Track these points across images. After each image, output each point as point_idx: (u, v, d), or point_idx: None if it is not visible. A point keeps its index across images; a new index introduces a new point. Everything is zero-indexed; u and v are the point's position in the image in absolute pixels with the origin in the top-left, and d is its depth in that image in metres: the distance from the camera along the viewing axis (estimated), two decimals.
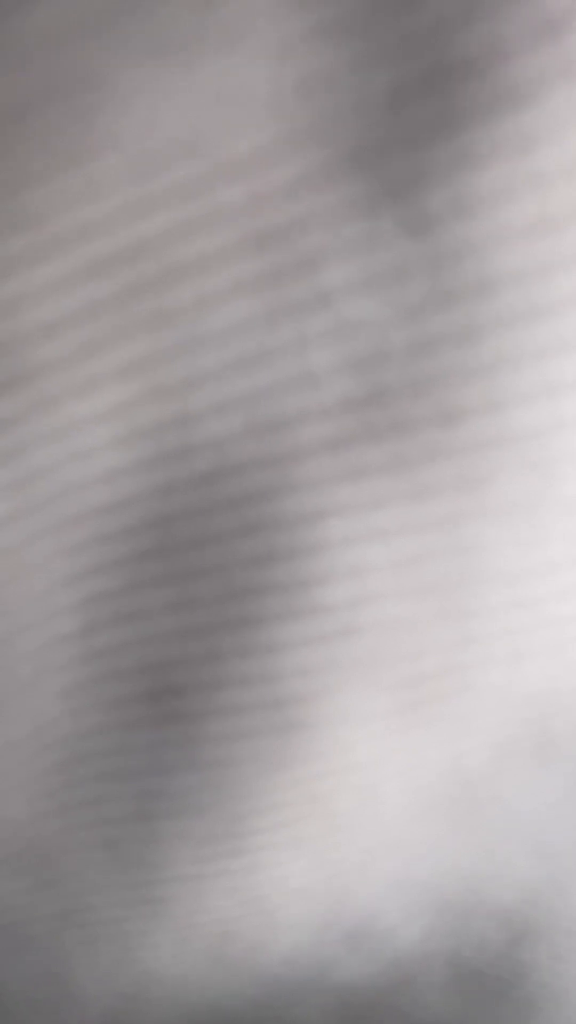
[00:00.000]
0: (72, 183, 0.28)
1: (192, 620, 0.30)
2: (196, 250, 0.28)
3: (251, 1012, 0.34)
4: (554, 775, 0.32)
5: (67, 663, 0.30)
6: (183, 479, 0.29)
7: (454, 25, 0.27)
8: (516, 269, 0.28)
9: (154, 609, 0.30)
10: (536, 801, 0.32)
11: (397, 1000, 0.34)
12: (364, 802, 0.31)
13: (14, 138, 0.28)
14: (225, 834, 0.31)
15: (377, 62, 0.27)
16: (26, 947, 0.34)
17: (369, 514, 0.29)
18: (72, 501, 0.29)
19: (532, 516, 0.29)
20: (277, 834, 0.31)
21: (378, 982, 0.34)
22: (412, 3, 0.27)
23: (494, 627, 0.30)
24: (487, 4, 0.27)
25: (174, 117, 0.27)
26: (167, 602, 0.30)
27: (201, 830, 0.31)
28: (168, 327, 0.28)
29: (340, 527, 0.29)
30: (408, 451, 0.28)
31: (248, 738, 0.30)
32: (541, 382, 0.28)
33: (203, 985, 0.34)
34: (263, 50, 0.27)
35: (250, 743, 0.30)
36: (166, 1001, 0.34)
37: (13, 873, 0.33)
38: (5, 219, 0.28)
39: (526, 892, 0.33)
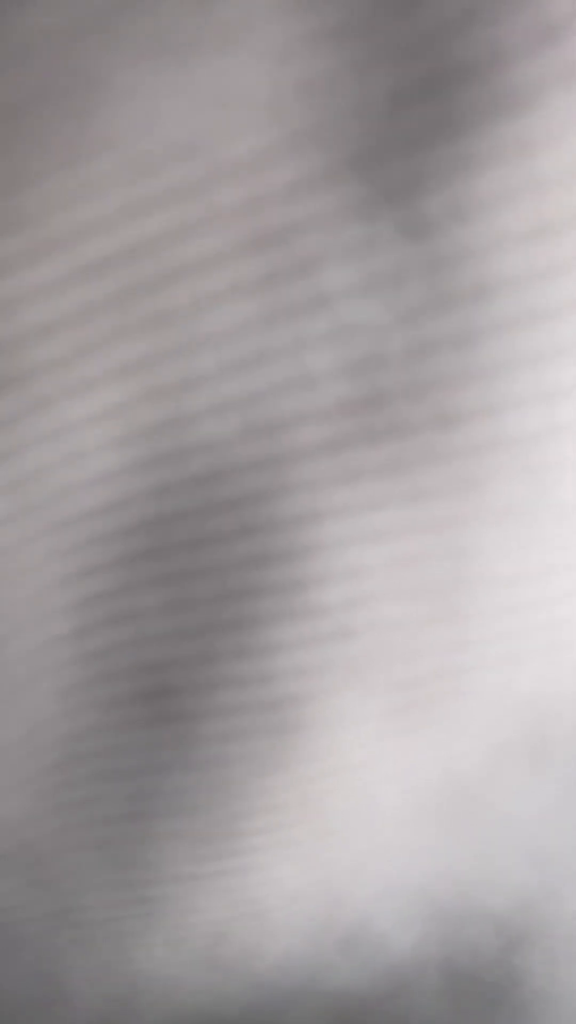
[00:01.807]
0: (68, 184, 0.28)
1: (187, 621, 0.29)
2: (193, 252, 0.28)
3: (244, 1017, 0.34)
4: (548, 780, 0.32)
5: (62, 664, 0.30)
6: (179, 480, 0.29)
7: (454, 29, 0.27)
8: (514, 274, 0.28)
9: (149, 610, 0.30)
10: (530, 806, 0.32)
11: (391, 1006, 0.34)
12: (358, 805, 0.31)
13: (10, 138, 0.28)
14: (219, 835, 0.31)
15: (377, 65, 0.27)
16: (19, 946, 0.34)
17: (365, 516, 0.29)
18: (67, 502, 0.29)
19: (527, 520, 0.29)
20: (271, 835, 0.31)
21: (371, 988, 0.34)
22: (412, 7, 0.27)
23: (489, 631, 0.30)
24: (487, 9, 0.27)
25: (172, 118, 0.27)
26: (162, 603, 0.29)
27: (195, 830, 0.31)
28: (165, 328, 0.28)
29: (336, 529, 0.29)
30: (405, 454, 0.28)
31: (242, 739, 0.30)
32: (538, 387, 0.28)
33: (196, 988, 0.34)
34: (262, 52, 0.27)
35: (244, 744, 0.30)
36: (159, 1003, 0.34)
37: (6, 872, 0.33)
38: (1, 219, 0.28)
39: (520, 898, 0.33)
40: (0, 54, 0.28)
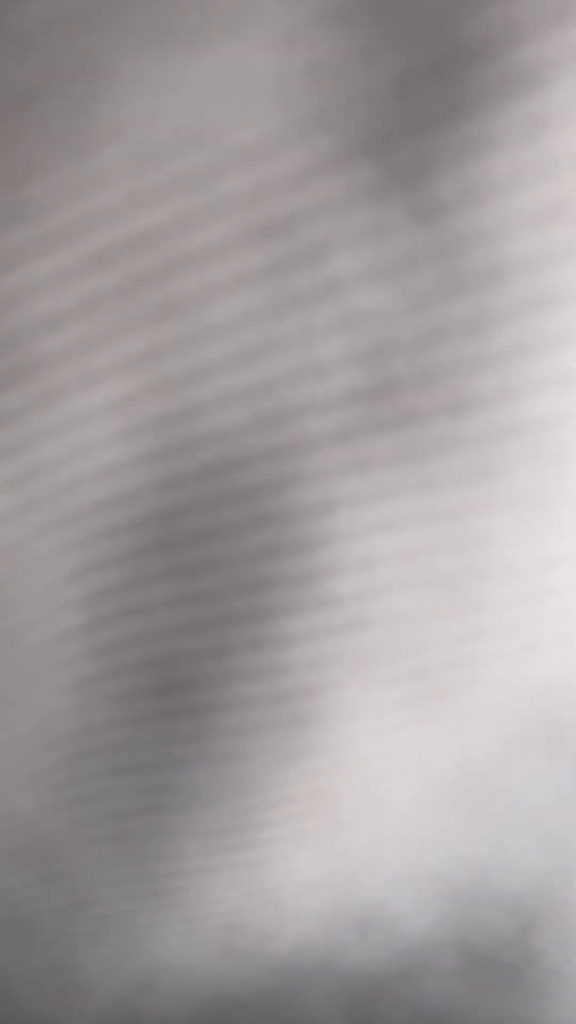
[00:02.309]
0: (75, 174, 0.28)
1: (199, 614, 0.29)
2: (201, 241, 0.28)
3: (259, 1000, 0.34)
4: (563, 767, 0.32)
5: (73, 658, 0.30)
6: (189, 472, 0.29)
7: (463, 10, 0.26)
8: (526, 257, 0.27)
9: (160, 603, 0.30)
10: (545, 792, 0.32)
11: (406, 988, 0.34)
12: (372, 796, 0.31)
13: (16, 129, 0.28)
14: (233, 827, 0.31)
15: (385, 48, 0.27)
16: (35, 939, 0.34)
17: (377, 506, 0.29)
18: (77, 495, 0.29)
19: (541, 508, 0.29)
20: (285, 827, 0.31)
21: (387, 970, 0.34)
22: None
23: (502, 620, 0.29)
24: None
25: (178, 106, 0.27)
26: (173, 596, 0.29)
27: (209, 823, 0.31)
28: (173, 318, 0.28)
29: (348, 519, 0.29)
30: (417, 442, 0.28)
31: (256, 731, 0.30)
32: (552, 372, 0.28)
33: (211, 975, 0.34)
34: (269, 37, 0.27)
35: (258, 736, 0.30)
36: (174, 992, 0.34)
37: (22, 866, 0.33)
38: (8, 211, 0.28)
39: (535, 880, 0.33)
40: (4, 44, 0.27)
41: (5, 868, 0.33)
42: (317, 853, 0.32)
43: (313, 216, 0.27)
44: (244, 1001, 0.34)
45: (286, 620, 0.29)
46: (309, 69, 0.27)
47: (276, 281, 0.28)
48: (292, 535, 0.29)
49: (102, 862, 0.32)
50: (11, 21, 0.27)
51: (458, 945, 0.34)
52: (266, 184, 0.27)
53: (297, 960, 0.34)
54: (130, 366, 0.28)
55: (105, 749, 0.31)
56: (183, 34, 0.27)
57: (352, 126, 0.27)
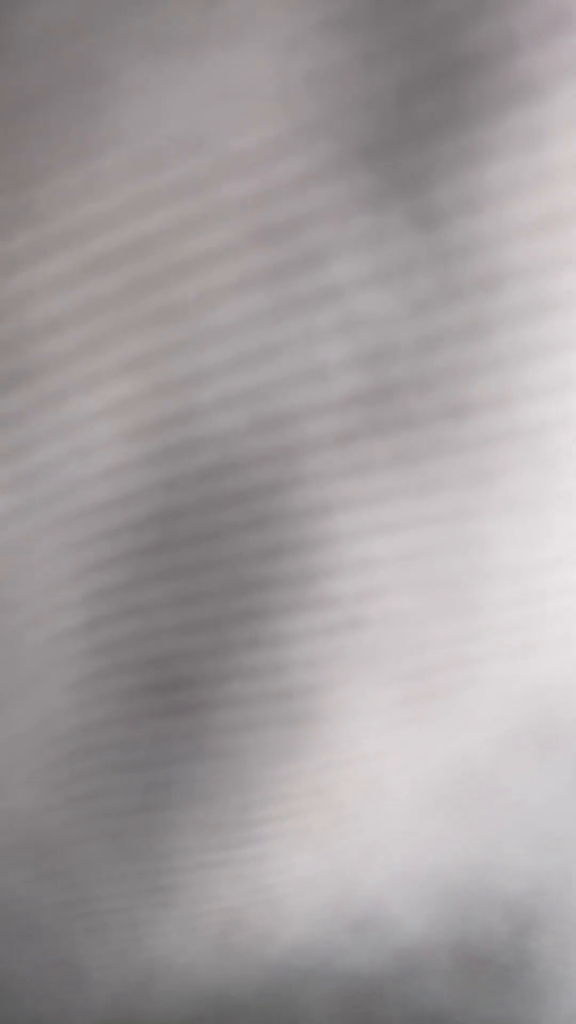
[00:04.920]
0: (76, 179, 0.28)
1: (198, 614, 0.30)
2: (202, 245, 0.28)
3: (257, 999, 0.34)
4: (559, 767, 0.32)
5: (73, 657, 0.30)
6: (188, 474, 0.29)
7: (463, 20, 0.26)
8: (524, 264, 0.27)
9: (159, 603, 0.30)
10: (541, 793, 0.32)
11: (402, 988, 0.34)
12: (370, 794, 0.31)
13: (18, 134, 0.28)
14: (231, 824, 0.31)
15: (386, 57, 0.27)
16: (34, 935, 0.34)
17: (376, 508, 0.29)
18: (77, 497, 0.29)
19: (538, 511, 0.29)
20: (283, 824, 0.31)
21: (384, 971, 0.34)
22: None
23: (499, 621, 0.30)
24: None
25: (179, 112, 0.27)
26: (172, 596, 0.30)
27: (207, 820, 0.31)
28: (173, 322, 0.28)
29: (347, 521, 0.29)
30: (415, 445, 0.28)
31: (254, 729, 0.30)
32: (548, 377, 0.28)
33: (210, 973, 0.34)
34: (270, 44, 0.27)
35: (256, 734, 0.30)
36: (173, 989, 0.34)
37: (21, 863, 0.33)
38: (9, 215, 0.28)
39: (531, 882, 0.33)
40: (7, 50, 0.27)
41: (4, 865, 0.33)
42: (314, 851, 0.32)
43: (313, 222, 0.28)
44: (242, 1000, 0.35)
45: (284, 620, 0.29)
46: (310, 76, 0.27)
47: (276, 286, 0.28)
48: (291, 536, 0.29)
49: (101, 859, 0.32)
50: (13, 27, 0.27)
51: (454, 946, 0.34)
52: (267, 190, 0.27)
53: (295, 960, 0.34)
54: (130, 369, 0.28)
55: (104, 747, 0.31)
56: (185, 40, 0.27)
57: (353, 133, 0.27)
